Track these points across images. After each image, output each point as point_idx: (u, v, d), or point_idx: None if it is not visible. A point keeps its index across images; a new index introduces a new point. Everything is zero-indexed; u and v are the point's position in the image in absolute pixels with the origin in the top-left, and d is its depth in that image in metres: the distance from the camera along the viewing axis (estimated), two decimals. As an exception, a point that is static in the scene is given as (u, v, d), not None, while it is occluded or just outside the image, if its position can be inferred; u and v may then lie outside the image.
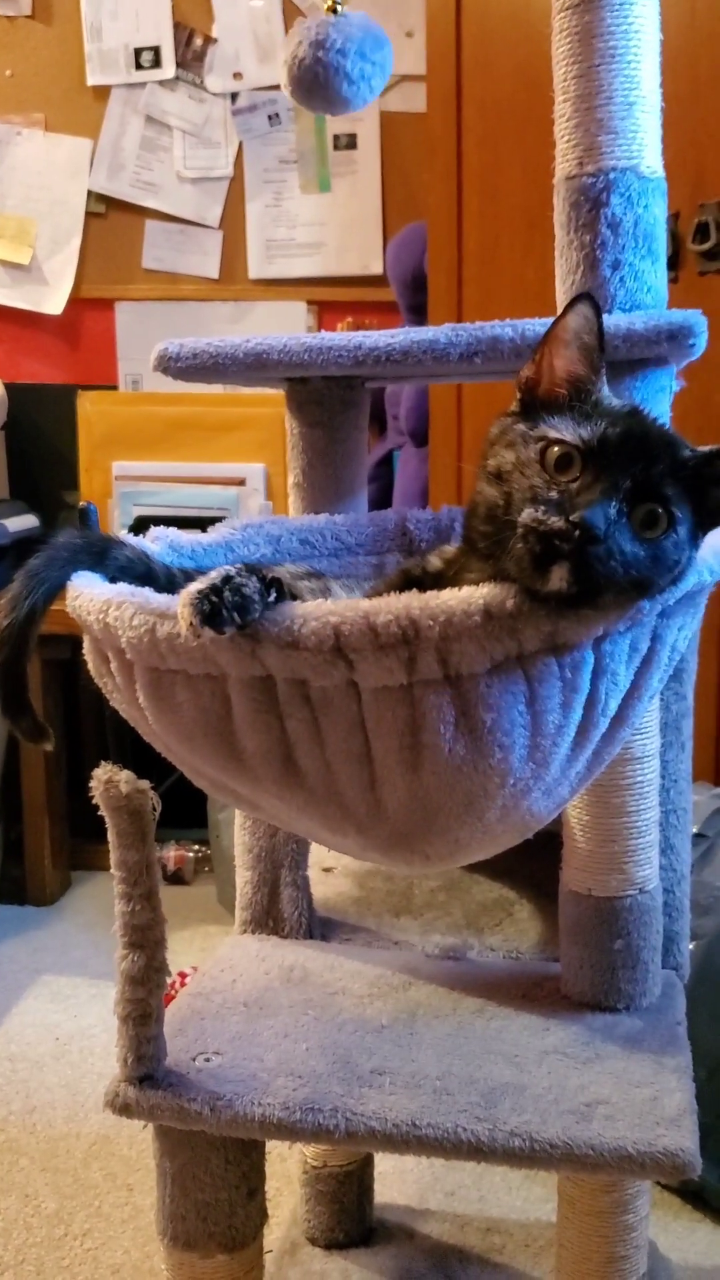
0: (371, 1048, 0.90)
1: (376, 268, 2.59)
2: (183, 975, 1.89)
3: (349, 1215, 1.29)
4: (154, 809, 0.82)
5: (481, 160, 2.09)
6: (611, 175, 0.86)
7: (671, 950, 1.02)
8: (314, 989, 1.00)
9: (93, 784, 0.81)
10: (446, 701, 0.60)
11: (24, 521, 2.56)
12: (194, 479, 2.45)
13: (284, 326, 2.60)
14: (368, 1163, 1.30)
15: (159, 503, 2.44)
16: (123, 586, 0.67)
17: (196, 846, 2.41)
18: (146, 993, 0.84)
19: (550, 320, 0.86)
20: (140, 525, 2.47)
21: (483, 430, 2.12)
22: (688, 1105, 0.83)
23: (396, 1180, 1.41)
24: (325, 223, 2.60)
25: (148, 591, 0.65)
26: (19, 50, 2.61)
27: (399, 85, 2.53)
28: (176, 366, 0.92)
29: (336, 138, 2.57)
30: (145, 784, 0.80)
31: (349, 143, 2.57)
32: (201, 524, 2.49)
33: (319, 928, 1.11)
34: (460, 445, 2.10)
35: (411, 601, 0.59)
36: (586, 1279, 1.00)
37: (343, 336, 0.89)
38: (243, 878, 1.11)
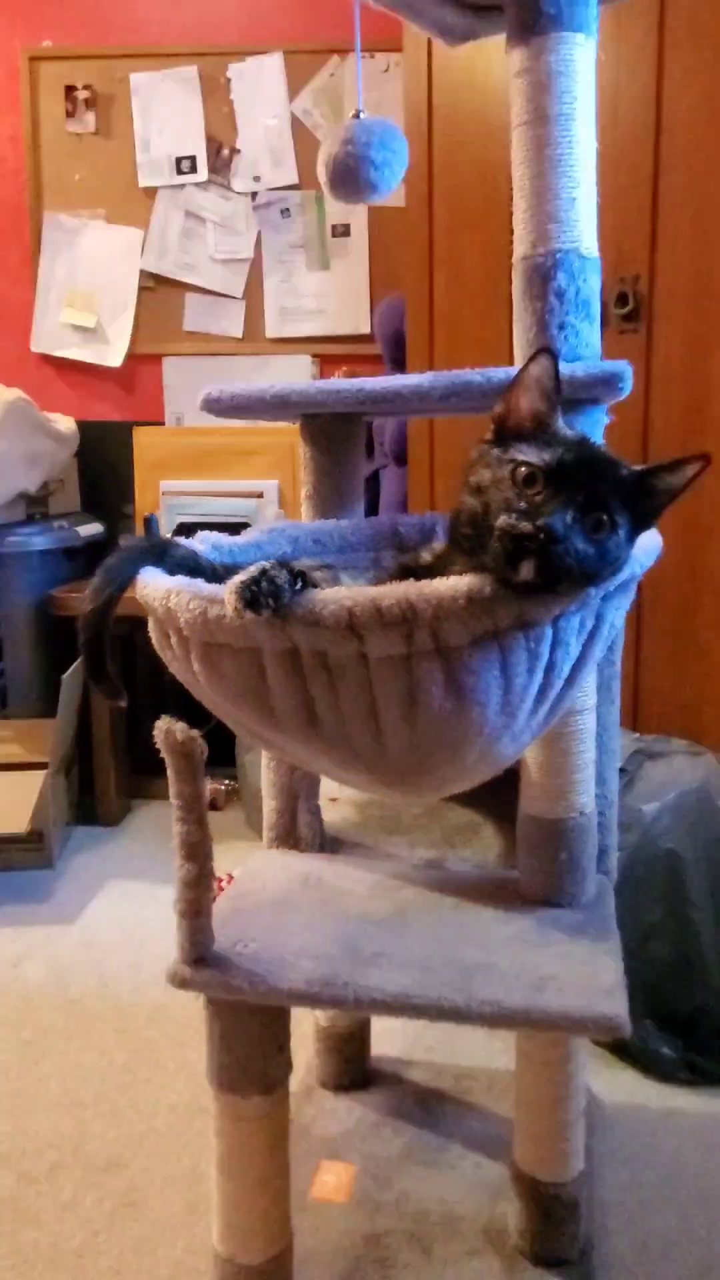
0: (372, 936, 0.90)
1: (365, 328, 2.57)
2: (219, 882, 1.90)
3: (351, 1065, 1.29)
4: (202, 752, 0.81)
5: (448, 245, 2.07)
6: (558, 256, 0.85)
7: (603, 859, 1.01)
8: (326, 891, 0.99)
9: (155, 732, 0.80)
10: (437, 668, 0.60)
11: (92, 528, 2.55)
12: (223, 493, 2.44)
13: (294, 375, 2.58)
14: (366, 1024, 1.30)
15: (196, 512, 2.43)
16: (180, 578, 0.66)
17: (227, 781, 2.42)
18: (198, 894, 0.83)
19: (508, 368, 0.85)
20: (182, 530, 2.46)
21: (451, 454, 2.12)
22: (619, 980, 0.83)
23: (388, 1037, 1.41)
24: (325, 294, 2.58)
25: (200, 582, 0.64)
26: (86, 159, 2.58)
27: (383, 185, 2.50)
28: (218, 406, 0.91)
29: (334, 227, 2.55)
30: (195, 732, 0.79)
31: (344, 231, 2.55)
32: (230, 528, 2.49)
33: (328, 844, 1.11)
34: (432, 465, 2.08)
35: (409, 589, 0.58)
36: (540, 1115, 1.01)
37: (347, 382, 0.89)
38: (268, 805, 1.11)
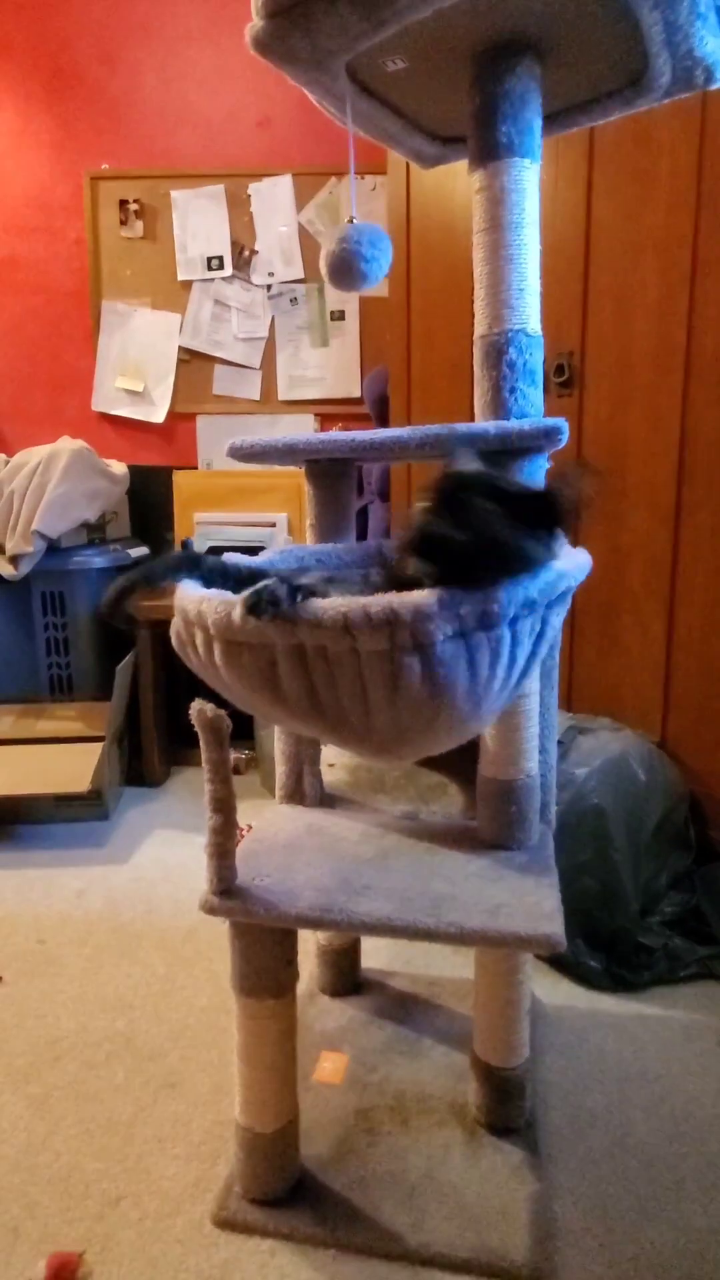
0: (361, 872, 0.89)
1: (356, 393, 2.56)
2: (240, 830, 1.89)
3: (345, 976, 1.29)
4: (227, 727, 0.80)
5: (422, 326, 2.06)
6: (510, 334, 0.85)
7: (545, 812, 1.01)
8: (325, 837, 0.99)
9: (190, 711, 0.80)
10: (415, 660, 0.59)
11: (140, 550, 2.52)
12: (244, 523, 2.43)
13: (300, 430, 2.57)
14: (357, 943, 1.30)
15: (223, 538, 2.41)
16: (211, 591, 0.65)
17: (247, 751, 2.40)
18: (224, 839, 0.83)
19: (470, 424, 0.85)
20: (212, 552, 2.45)
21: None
22: (557, 907, 0.83)
23: (374, 953, 1.41)
24: (325, 365, 2.57)
25: (226, 593, 0.63)
26: (136, 258, 2.56)
27: (371, 280, 2.49)
28: (241, 453, 0.90)
29: (332, 313, 2.53)
30: (223, 711, 0.79)
31: (340, 316, 2.54)
32: (249, 550, 2.47)
33: (327, 800, 1.11)
34: (410, 501, 2.08)
35: (393, 598, 0.57)
36: (495, 1013, 1.01)
37: (342, 434, 0.88)
38: (280, 769, 1.10)
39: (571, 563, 0.66)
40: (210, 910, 0.83)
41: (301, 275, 2.51)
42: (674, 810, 1.49)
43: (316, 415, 2.57)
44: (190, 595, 0.65)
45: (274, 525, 2.41)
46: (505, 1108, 1.02)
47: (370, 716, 0.62)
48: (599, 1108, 1.09)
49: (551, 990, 1.33)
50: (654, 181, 1.51)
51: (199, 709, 0.78)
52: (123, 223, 2.54)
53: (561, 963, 1.38)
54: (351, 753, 0.71)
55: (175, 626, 0.71)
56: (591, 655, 1.72)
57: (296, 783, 1.09)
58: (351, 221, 0.86)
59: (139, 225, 2.54)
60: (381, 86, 0.86)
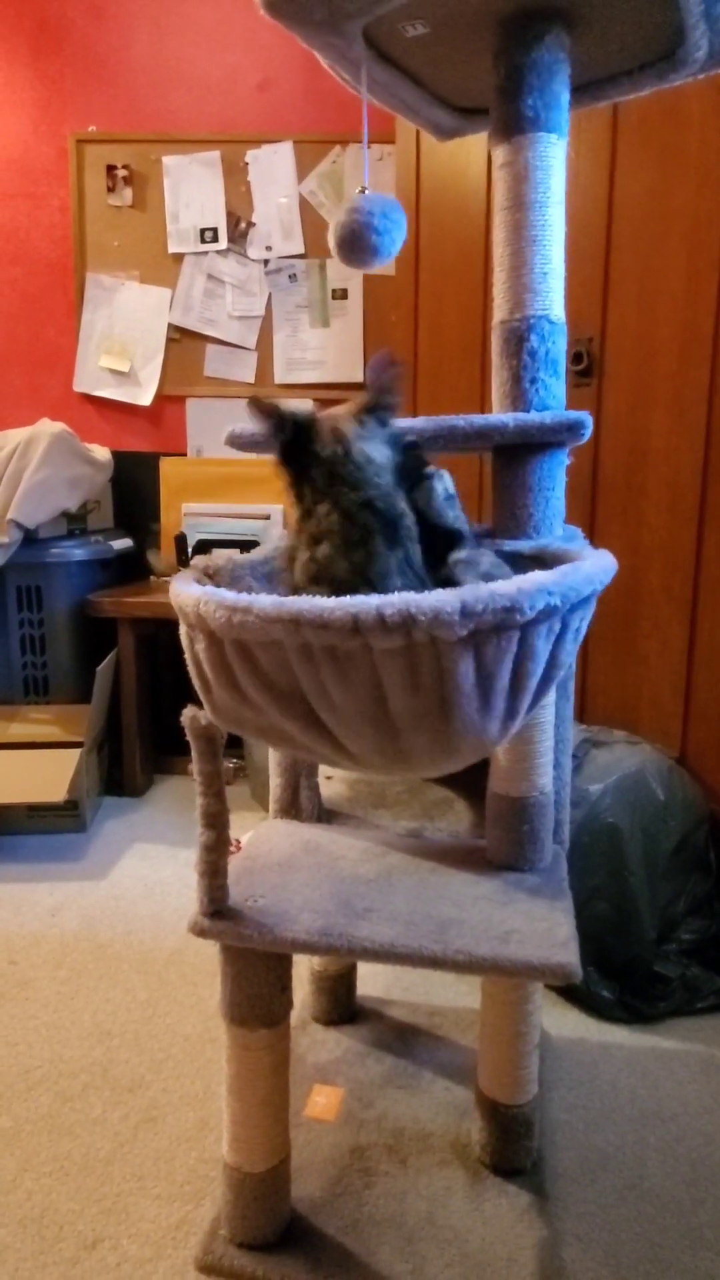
0: (362, 894, 0.89)
1: (359, 378, 2.56)
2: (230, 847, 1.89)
3: (340, 1003, 1.29)
4: (221, 736, 0.81)
5: (430, 308, 2.06)
6: (532, 321, 0.85)
7: (558, 831, 1.01)
8: (323, 855, 0.99)
9: (181, 719, 0.80)
10: (430, 656, 0.59)
11: (123, 542, 2.53)
12: (235, 515, 2.43)
13: (298, 416, 2.57)
14: (353, 968, 1.30)
15: (213, 530, 2.42)
16: (209, 587, 0.65)
17: (235, 760, 2.41)
18: (216, 856, 0.83)
19: (487, 415, 0.85)
20: (200, 546, 2.45)
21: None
22: (572, 934, 0.83)
23: (371, 979, 1.41)
24: (325, 347, 2.57)
25: (224, 591, 0.63)
26: (124, 229, 2.56)
27: (376, 257, 2.50)
28: (240, 442, 0.90)
29: (334, 291, 2.54)
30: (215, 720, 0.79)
31: (342, 294, 2.54)
32: (241, 545, 2.47)
33: (325, 815, 1.11)
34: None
35: (409, 598, 0.57)
36: (502, 1046, 1.01)
37: (351, 423, 0.88)
38: (274, 782, 1.10)
39: (596, 564, 0.67)
40: (200, 932, 0.83)
41: (301, 250, 2.52)
42: (694, 831, 1.50)
43: (316, 401, 2.57)
44: (189, 594, 0.64)
45: (268, 518, 2.41)
46: (511, 1147, 1.03)
47: (386, 703, 0.62)
48: (611, 1148, 1.09)
49: (560, 1021, 1.34)
50: (683, 158, 1.52)
51: (192, 716, 0.79)
52: (110, 189, 2.55)
53: (572, 992, 1.38)
54: (358, 763, 0.70)
55: (183, 626, 0.70)
56: (607, 663, 1.73)
57: (292, 796, 1.09)
58: (363, 191, 0.86)
59: (127, 193, 2.54)
60: (399, 53, 0.87)
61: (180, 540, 2.30)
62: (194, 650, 0.68)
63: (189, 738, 0.80)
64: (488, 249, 1.94)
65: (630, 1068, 1.24)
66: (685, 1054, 1.27)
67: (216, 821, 0.82)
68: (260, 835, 1.04)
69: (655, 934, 1.39)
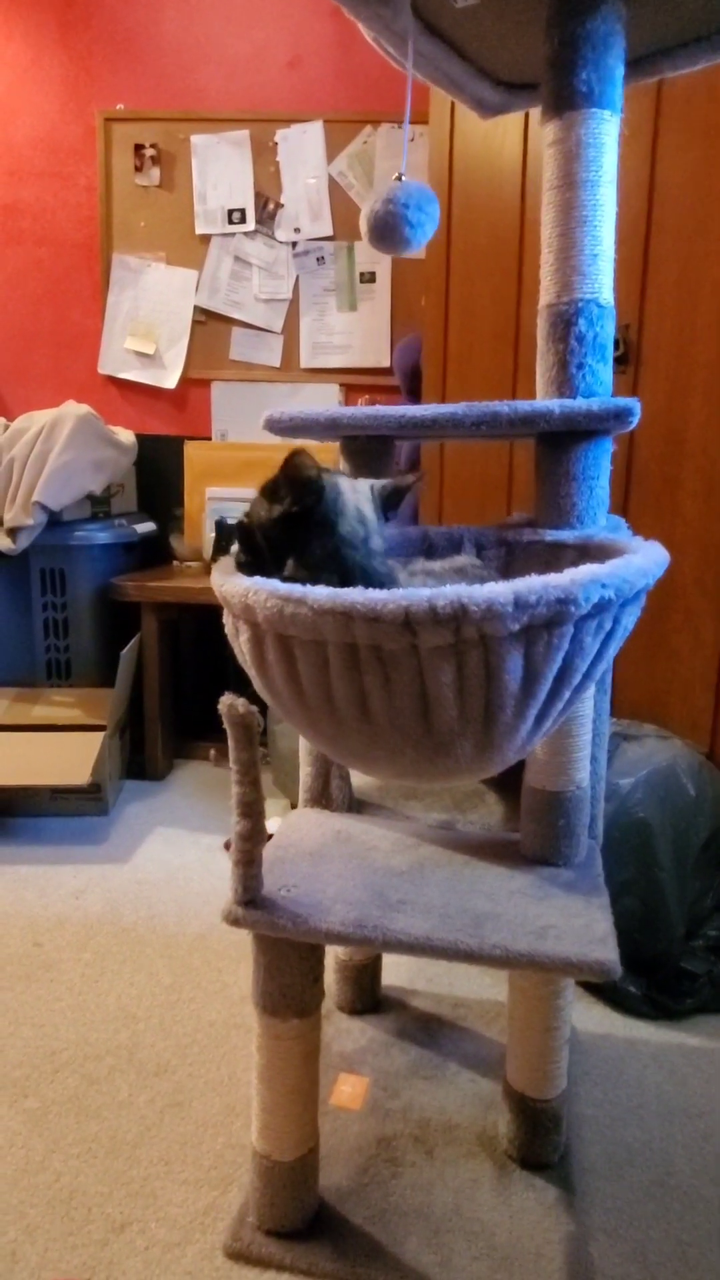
0: (396, 885, 0.89)
1: (385, 362, 2.54)
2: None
3: (365, 993, 1.29)
4: (259, 725, 0.80)
5: (461, 292, 2.04)
6: (580, 304, 0.83)
7: (592, 826, 1.00)
8: (355, 845, 0.98)
9: (219, 706, 0.79)
10: (478, 655, 0.58)
11: (147, 526, 2.52)
12: (260, 501, 2.42)
13: (323, 401, 2.55)
14: (378, 959, 1.30)
15: (237, 515, 2.41)
16: (257, 579, 0.64)
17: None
18: (252, 845, 0.82)
19: (532, 401, 0.84)
20: (222, 528, 2.43)
21: (459, 472, 2.08)
22: (609, 930, 0.82)
23: (395, 969, 1.41)
24: (352, 331, 2.55)
25: (275, 582, 0.62)
26: (150, 209, 2.54)
27: (405, 239, 2.47)
28: (278, 426, 0.89)
29: (362, 274, 2.51)
30: (254, 707, 0.78)
31: (370, 278, 2.52)
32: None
33: (355, 806, 1.10)
34: (441, 483, 2.06)
35: (461, 590, 0.56)
36: (531, 1041, 1.00)
37: (392, 410, 0.86)
38: (305, 771, 1.09)
39: (648, 557, 0.65)
40: (234, 921, 0.83)
41: (330, 232, 2.49)
42: (723, 827, 1.48)
43: (342, 385, 2.55)
44: (235, 584, 0.64)
45: (292, 503, 2.40)
46: (539, 1141, 1.02)
47: (429, 717, 0.61)
48: (638, 1143, 1.09)
49: (586, 1016, 1.33)
50: (727, 138, 1.48)
51: (229, 704, 0.78)
52: (137, 169, 2.53)
53: (598, 987, 1.37)
54: (396, 772, 0.69)
55: (227, 616, 0.70)
56: (638, 656, 1.71)
57: (323, 786, 1.08)
58: (400, 179, 0.84)
59: (155, 172, 2.52)
60: (446, 25, 0.84)
61: (221, 527, 2.29)
62: (239, 641, 0.67)
63: (226, 725, 0.79)
64: (522, 232, 1.91)
65: (657, 1064, 1.23)
66: (712, 1051, 1.26)
67: (252, 810, 0.81)
68: (291, 824, 1.04)
69: (683, 930, 1.37)
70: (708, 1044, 1.28)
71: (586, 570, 0.59)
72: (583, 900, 0.87)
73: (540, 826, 0.94)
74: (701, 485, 1.59)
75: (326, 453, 2.34)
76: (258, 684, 0.69)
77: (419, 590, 0.56)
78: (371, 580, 0.58)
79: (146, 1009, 1.31)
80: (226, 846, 1.86)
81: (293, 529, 0.67)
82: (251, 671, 0.68)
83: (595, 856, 0.98)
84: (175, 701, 2.40)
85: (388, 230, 0.83)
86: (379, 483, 0.76)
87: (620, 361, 1.67)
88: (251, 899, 0.83)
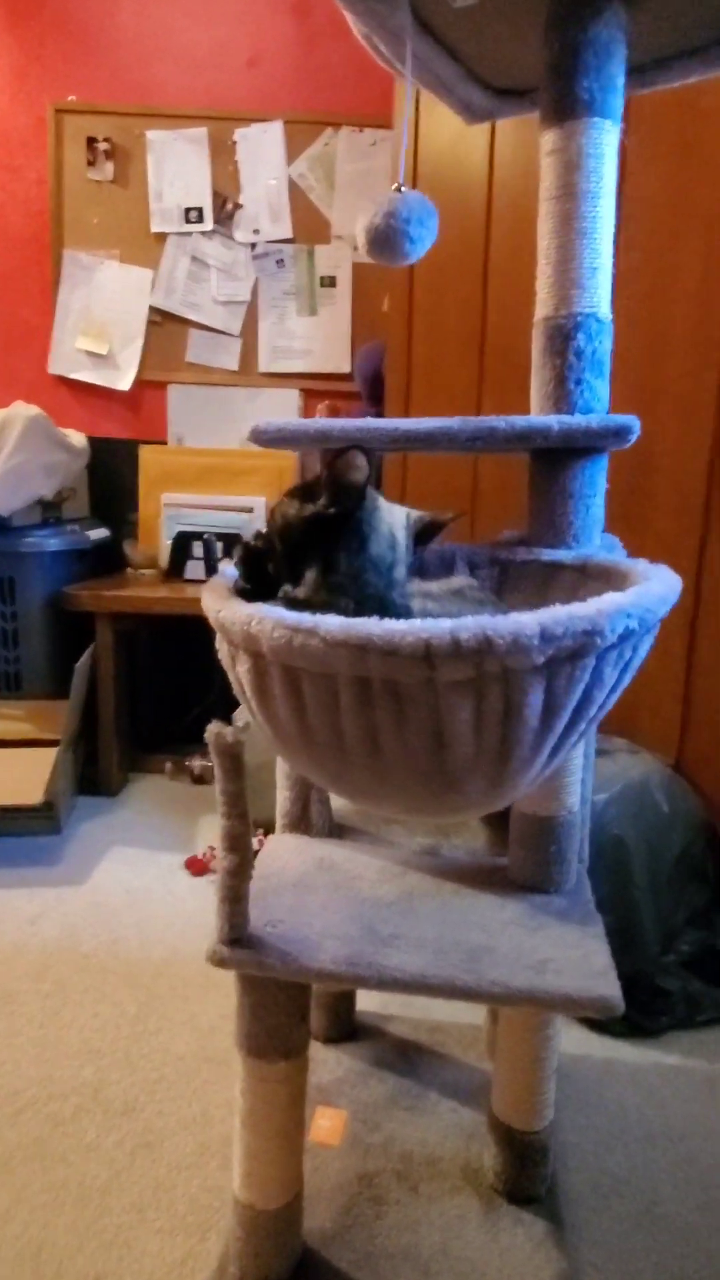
0: (385, 918, 0.85)
1: (346, 368, 2.51)
2: (210, 850, 1.83)
3: (340, 1020, 1.25)
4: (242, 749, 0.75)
5: (428, 300, 2.02)
6: (579, 319, 0.81)
7: (580, 849, 0.98)
8: (340, 875, 0.94)
9: (206, 735, 0.74)
10: (499, 690, 0.55)
11: (100, 533, 2.45)
12: (217, 507, 2.36)
13: (283, 407, 2.51)
14: (354, 984, 1.26)
15: (193, 523, 2.35)
16: (261, 605, 0.60)
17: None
18: (239, 881, 0.77)
19: (529, 417, 0.81)
20: (179, 538, 2.37)
21: (423, 481, 2.05)
22: (609, 963, 0.80)
23: (370, 994, 1.37)
24: (312, 336, 2.51)
25: (280, 609, 0.58)
26: (105, 205, 2.47)
27: (367, 244, 2.44)
28: (264, 437, 0.85)
29: (322, 278, 2.48)
30: (243, 735, 0.73)
31: (331, 282, 2.48)
32: (224, 538, 2.40)
33: (335, 830, 1.06)
34: (404, 493, 2.04)
35: (485, 621, 0.53)
36: (520, 1071, 0.98)
37: (386, 422, 0.83)
38: (282, 795, 1.05)
39: (665, 584, 0.63)
40: (219, 962, 0.78)
41: (290, 235, 2.45)
42: (693, 841, 1.48)
43: (302, 391, 2.51)
44: (236, 611, 0.59)
45: (251, 511, 2.35)
46: (526, 1174, 1.00)
47: (444, 753, 0.58)
48: (623, 1171, 1.07)
49: (563, 1037, 1.31)
50: (700, 154, 1.49)
51: (217, 732, 0.73)
52: (90, 163, 2.45)
53: (573, 1006, 1.36)
54: (397, 812, 0.66)
55: (223, 644, 0.65)
56: (606, 668, 1.71)
57: (302, 810, 1.04)
58: (399, 190, 0.81)
59: (109, 167, 2.45)
60: (441, 24, 0.82)
61: (209, 545, 2.20)
62: (236, 671, 0.62)
63: (213, 754, 0.74)
64: (488, 240, 1.90)
65: (636, 1086, 1.22)
66: (689, 1070, 1.25)
67: (240, 844, 0.77)
68: (271, 852, 1.00)
69: (658, 947, 1.37)
70: (684, 1062, 1.27)
71: (611, 600, 0.56)
72: (578, 930, 0.85)
73: (530, 853, 0.92)
74: (670, 499, 1.59)
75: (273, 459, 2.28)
76: (256, 717, 0.64)
77: (439, 622, 0.53)
78: (388, 614, 0.55)
79: (111, 1043, 1.25)
80: (188, 864, 1.80)
81: (321, 535, 0.62)
82: (251, 704, 0.63)
83: (584, 882, 0.96)
84: (131, 713, 2.32)
85: (387, 244, 0.80)
86: (415, 513, 0.72)
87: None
88: (238, 937, 0.79)
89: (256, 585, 0.65)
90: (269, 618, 0.56)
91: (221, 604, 0.62)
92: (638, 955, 1.34)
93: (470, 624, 0.52)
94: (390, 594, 0.63)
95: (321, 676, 0.56)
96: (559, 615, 0.54)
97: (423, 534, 0.73)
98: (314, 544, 0.62)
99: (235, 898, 0.78)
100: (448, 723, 0.56)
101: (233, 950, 0.78)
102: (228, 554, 2.34)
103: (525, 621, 0.53)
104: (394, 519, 0.68)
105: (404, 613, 0.61)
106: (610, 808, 1.37)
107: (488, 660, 0.53)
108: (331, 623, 0.54)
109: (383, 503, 0.68)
